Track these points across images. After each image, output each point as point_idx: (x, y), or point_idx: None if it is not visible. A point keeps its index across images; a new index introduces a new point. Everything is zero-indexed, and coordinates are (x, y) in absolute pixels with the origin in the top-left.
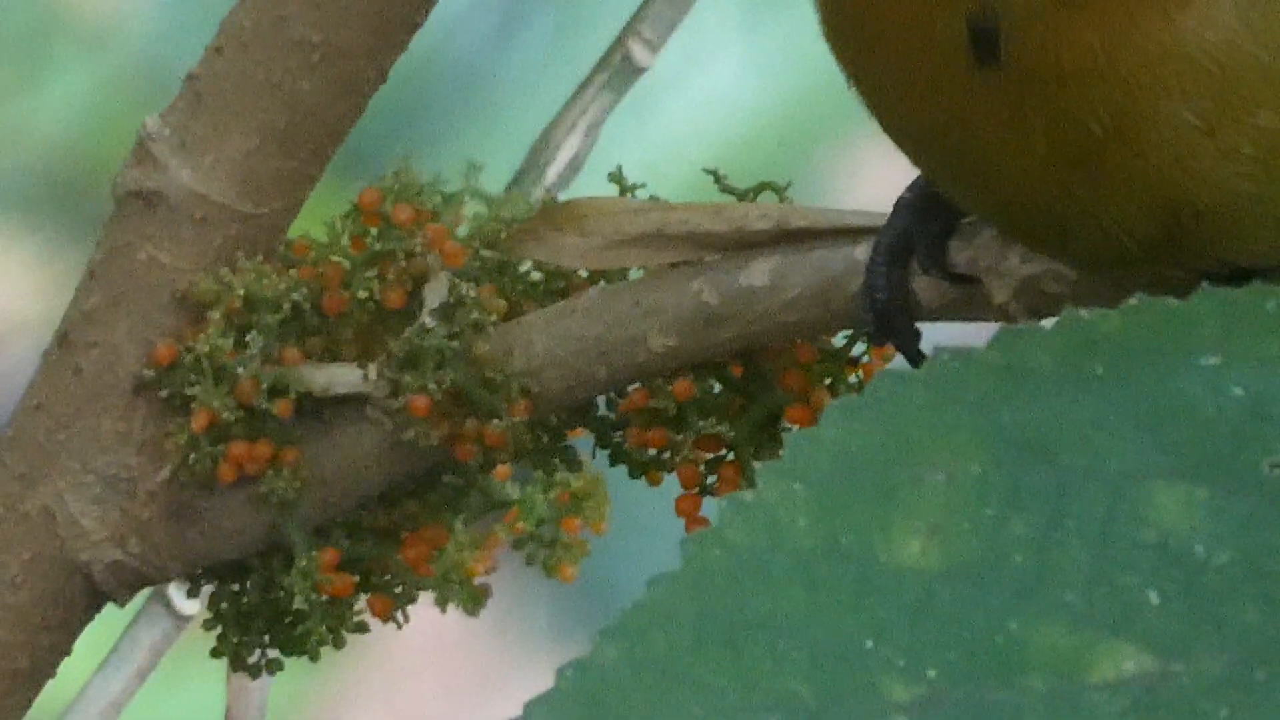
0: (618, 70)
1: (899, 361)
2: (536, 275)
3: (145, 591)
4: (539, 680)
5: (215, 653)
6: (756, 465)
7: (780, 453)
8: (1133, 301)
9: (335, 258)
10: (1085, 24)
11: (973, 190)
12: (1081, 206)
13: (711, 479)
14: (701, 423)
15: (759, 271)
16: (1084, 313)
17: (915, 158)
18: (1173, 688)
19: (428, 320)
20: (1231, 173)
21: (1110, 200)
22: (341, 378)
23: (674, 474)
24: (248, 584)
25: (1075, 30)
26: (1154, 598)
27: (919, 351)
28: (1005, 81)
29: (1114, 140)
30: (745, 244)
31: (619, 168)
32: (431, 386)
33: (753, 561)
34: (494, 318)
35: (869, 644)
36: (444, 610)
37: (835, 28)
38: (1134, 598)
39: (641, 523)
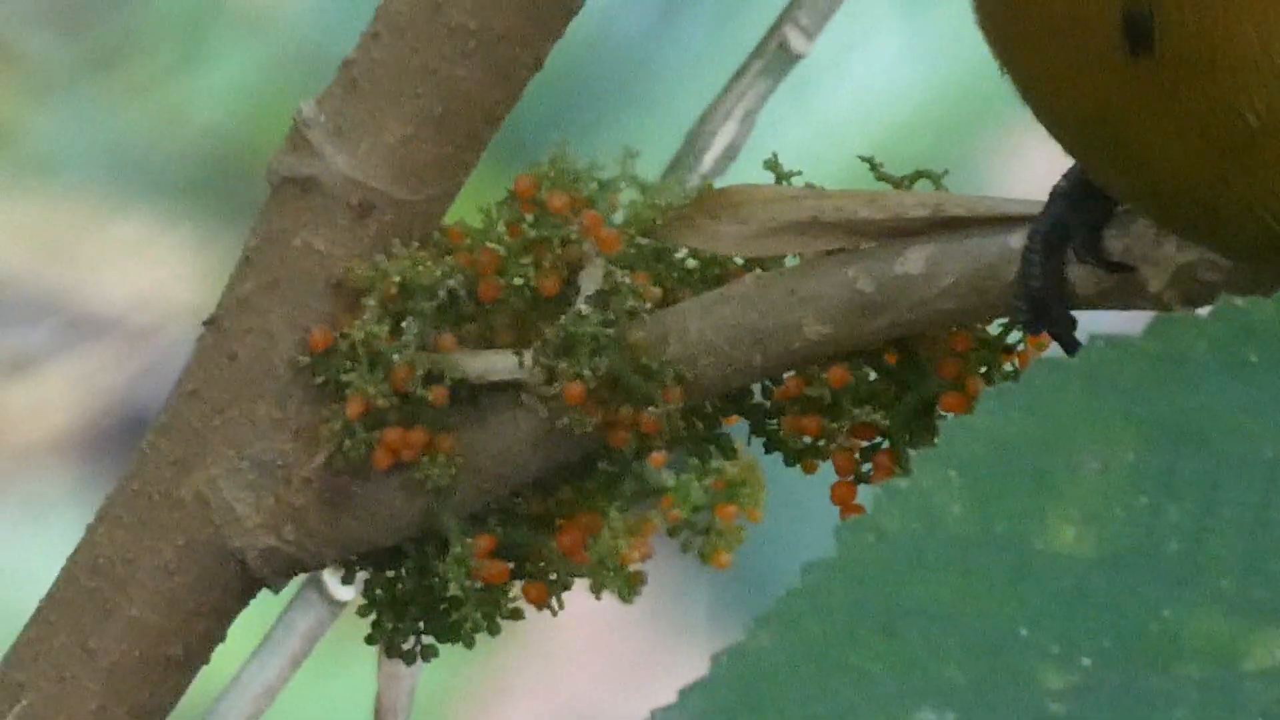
0: (774, 57)
1: (1054, 350)
2: (692, 262)
3: (300, 578)
4: (696, 667)
5: (370, 639)
6: (911, 453)
7: (935, 440)
8: None
9: (490, 244)
10: (1241, 14)
11: (1126, 179)
12: (1236, 195)
13: (867, 467)
14: (857, 410)
15: (914, 259)
16: (1239, 301)
17: (1068, 146)
18: None
19: (583, 307)
20: None
21: (1265, 189)
22: (496, 364)
23: (829, 461)
24: (402, 570)
25: (1231, 20)
26: None
27: (1074, 339)
28: (1158, 70)
29: (1269, 130)
30: (901, 231)
31: (775, 155)
32: (586, 373)
33: (907, 548)
34: (649, 305)
35: (1023, 631)
36: (599, 597)
37: (988, 14)
38: None
39: (797, 510)
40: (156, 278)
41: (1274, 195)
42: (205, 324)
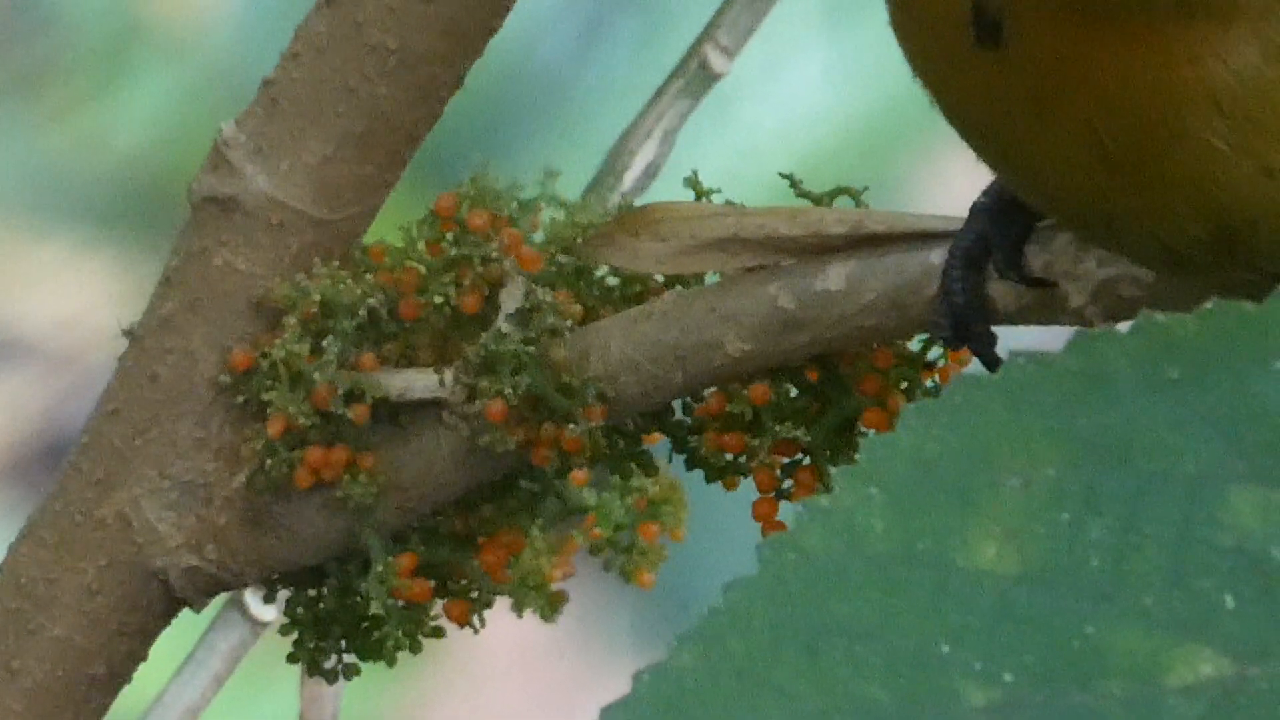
0: (694, 77)
1: (975, 366)
2: (613, 280)
3: (222, 597)
4: (619, 687)
5: (292, 658)
6: (833, 470)
7: (856, 457)
8: (1208, 306)
9: (411, 263)
10: (1092, 40)
11: (1024, 186)
12: (1123, 209)
13: (788, 483)
14: (778, 427)
15: (835, 276)
16: (1160, 317)
17: (971, 148)
18: (1250, 691)
19: (504, 325)
20: (1276, 189)
21: (1152, 207)
22: (418, 383)
23: (751, 478)
24: (324, 589)
25: (1080, 43)
26: (1230, 601)
27: (995, 355)
28: (1011, 69)
29: (1134, 158)
30: (822, 248)
31: (695, 173)
32: (508, 391)
33: (829, 566)
34: (570, 323)
35: (946, 649)
36: (520, 616)
37: (889, 6)
38: (1211, 601)
39: (719, 528)
40: (78, 301)
41: (1162, 213)
42: (126, 334)
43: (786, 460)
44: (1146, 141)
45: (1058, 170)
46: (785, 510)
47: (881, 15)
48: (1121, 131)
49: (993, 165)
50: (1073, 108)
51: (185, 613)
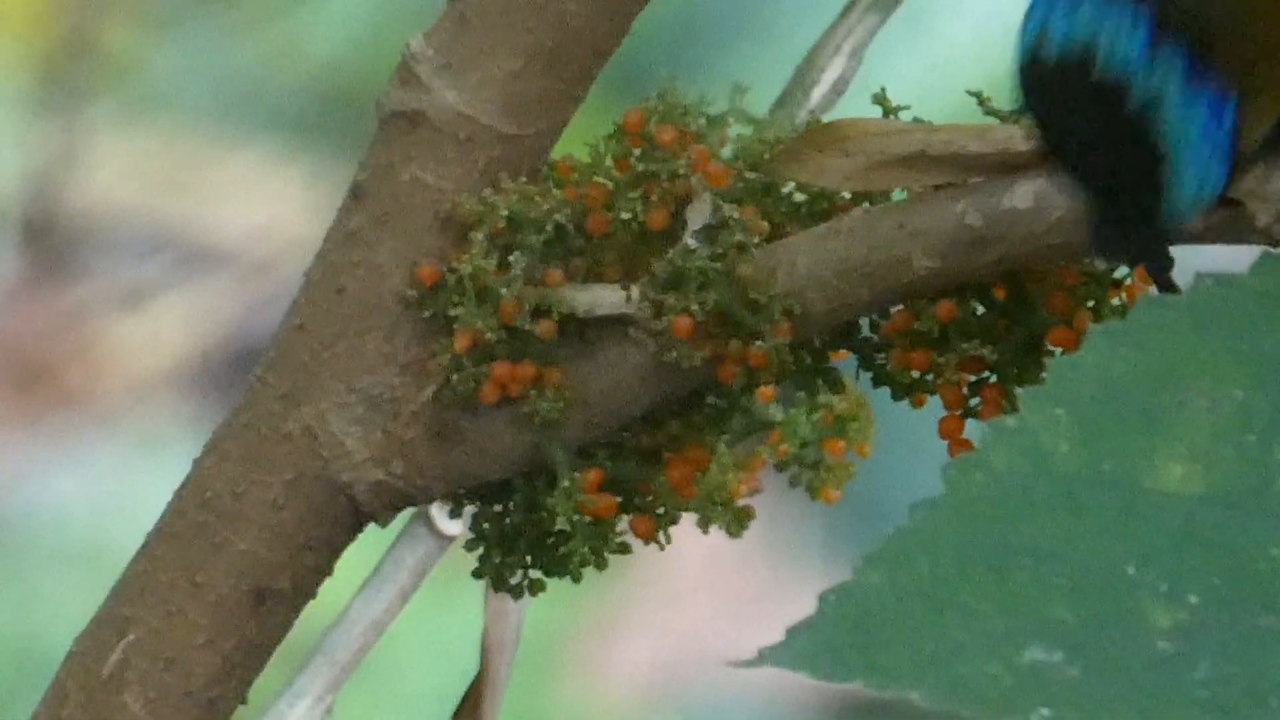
0: None
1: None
2: (800, 197)
3: (408, 512)
4: (807, 603)
5: (477, 573)
6: (1019, 390)
7: (1043, 376)
8: None
9: (599, 179)
10: None
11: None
12: None
13: (975, 401)
14: (965, 345)
15: (1023, 194)
16: None
17: None
18: None
19: (691, 241)
20: None
21: None
22: (605, 299)
23: (937, 396)
24: (510, 505)
25: None
26: None
27: (1171, 279)
28: None
29: None
30: (1009, 166)
31: (883, 90)
32: (695, 308)
33: (1015, 487)
34: (757, 239)
35: (1131, 570)
36: (706, 532)
37: None
38: None
39: (906, 445)
40: (270, 212)
41: None
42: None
43: (973, 378)
44: None
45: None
46: (971, 428)
47: None
48: None
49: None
50: None
51: (371, 528)
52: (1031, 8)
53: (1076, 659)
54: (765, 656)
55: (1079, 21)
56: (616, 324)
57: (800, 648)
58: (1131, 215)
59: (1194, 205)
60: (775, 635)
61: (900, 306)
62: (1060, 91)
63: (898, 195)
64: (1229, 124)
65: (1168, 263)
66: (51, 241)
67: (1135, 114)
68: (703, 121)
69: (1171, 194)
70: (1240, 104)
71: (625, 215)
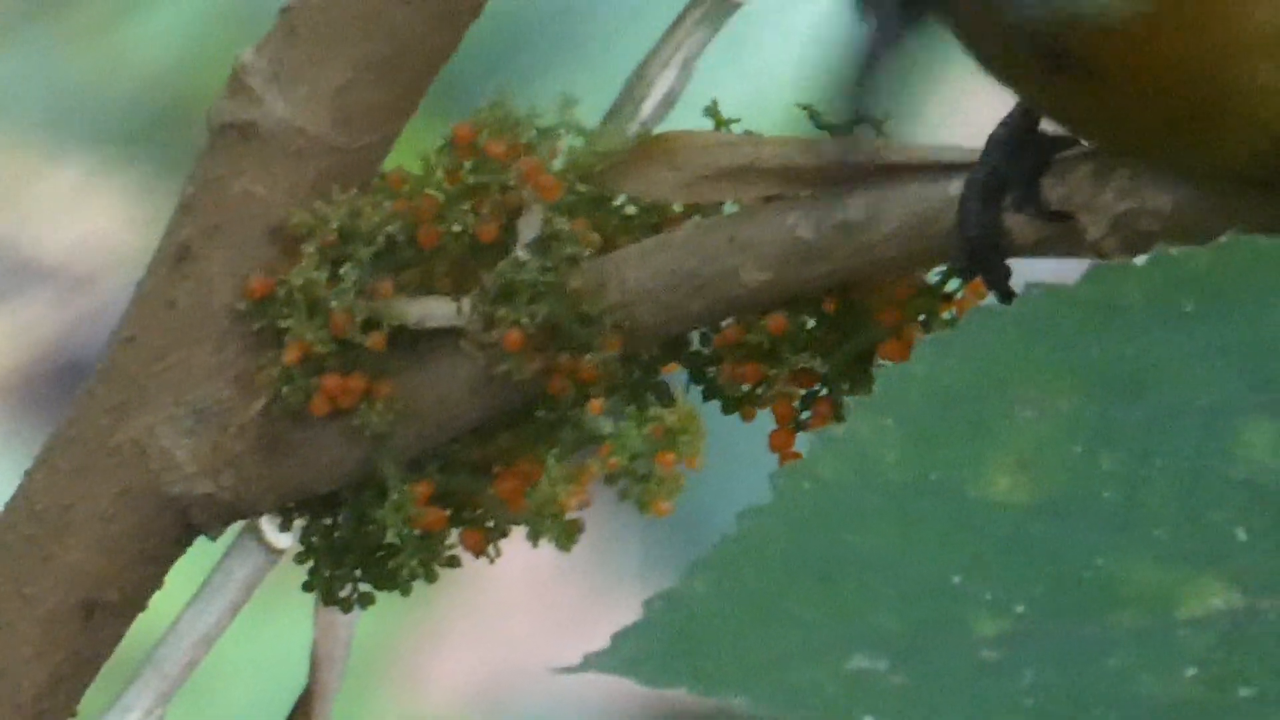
0: (713, 5)
1: (994, 298)
2: (631, 209)
3: (237, 525)
4: (634, 613)
5: (307, 586)
6: (849, 401)
7: (873, 388)
8: (1224, 239)
9: (430, 191)
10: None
11: (1075, 130)
12: (1188, 152)
13: (805, 414)
14: (795, 357)
15: (854, 206)
16: (1175, 250)
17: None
18: (1260, 624)
19: (522, 254)
20: None
21: (1217, 147)
22: (435, 311)
23: (768, 409)
24: (340, 518)
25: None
26: (1242, 534)
27: (1009, 289)
28: (1078, 80)
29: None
30: (840, 178)
31: (714, 102)
32: (525, 320)
33: (843, 496)
34: (588, 251)
35: (958, 579)
36: (536, 545)
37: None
38: (1222, 534)
39: (736, 458)
40: (96, 225)
41: (1227, 150)
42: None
43: (804, 391)
44: (1214, 104)
45: (1117, 131)
46: (802, 441)
47: None
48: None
49: (1041, 112)
50: (1141, 99)
51: (201, 540)
52: None
53: (902, 667)
54: (590, 662)
55: None
56: (447, 336)
57: (626, 653)
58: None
59: None
60: (597, 645)
61: (731, 319)
62: None
63: (729, 208)
64: None
65: (1004, 271)
66: None
67: None
68: (534, 134)
69: None
70: None
71: (456, 227)
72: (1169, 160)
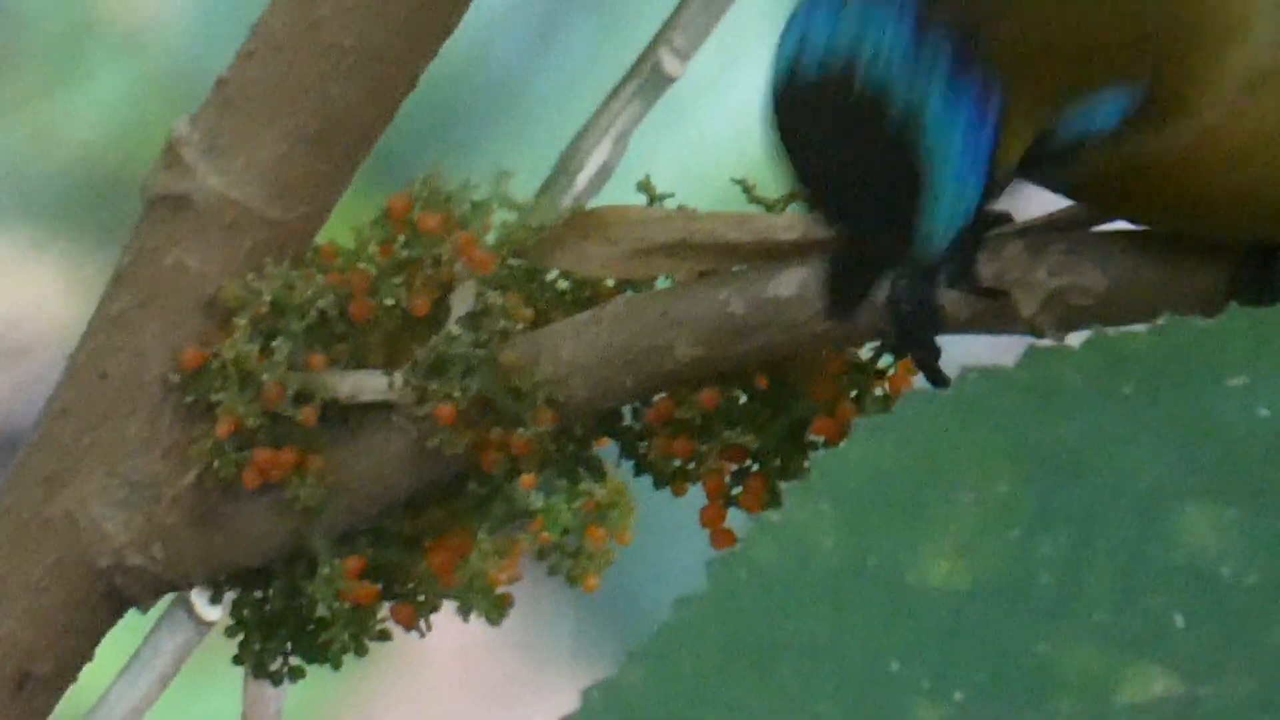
0: (648, 79)
1: (924, 377)
2: (564, 283)
3: (168, 597)
4: (563, 690)
5: (237, 659)
6: (783, 483)
7: (806, 464)
8: (1162, 321)
9: (363, 264)
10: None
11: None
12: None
13: (737, 490)
14: (727, 433)
15: (786, 282)
16: (1112, 332)
17: None
18: (1201, 711)
19: (454, 328)
20: None
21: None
22: (367, 384)
23: (699, 484)
24: (271, 591)
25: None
26: (1181, 620)
27: (938, 368)
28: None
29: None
30: (772, 254)
31: (648, 177)
32: (457, 394)
33: (780, 582)
34: (521, 326)
35: (896, 666)
36: (466, 619)
37: None
38: (1162, 620)
39: (666, 533)
40: (28, 297)
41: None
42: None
43: (735, 467)
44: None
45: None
46: (734, 516)
47: None
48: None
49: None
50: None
51: (132, 612)
52: (789, 24)
53: None
54: None
55: (843, 25)
56: (380, 410)
57: None
58: (885, 252)
59: (949, 224)
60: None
61: (663, 394)
62: (817, 115)
63: (662, 283)
64: (991, 125)
65: (934, 351)
66: None
67: (896, 128)
68: (467, 208)
69: (927, 214)
70: (1003, 105)
71: (389, 301)
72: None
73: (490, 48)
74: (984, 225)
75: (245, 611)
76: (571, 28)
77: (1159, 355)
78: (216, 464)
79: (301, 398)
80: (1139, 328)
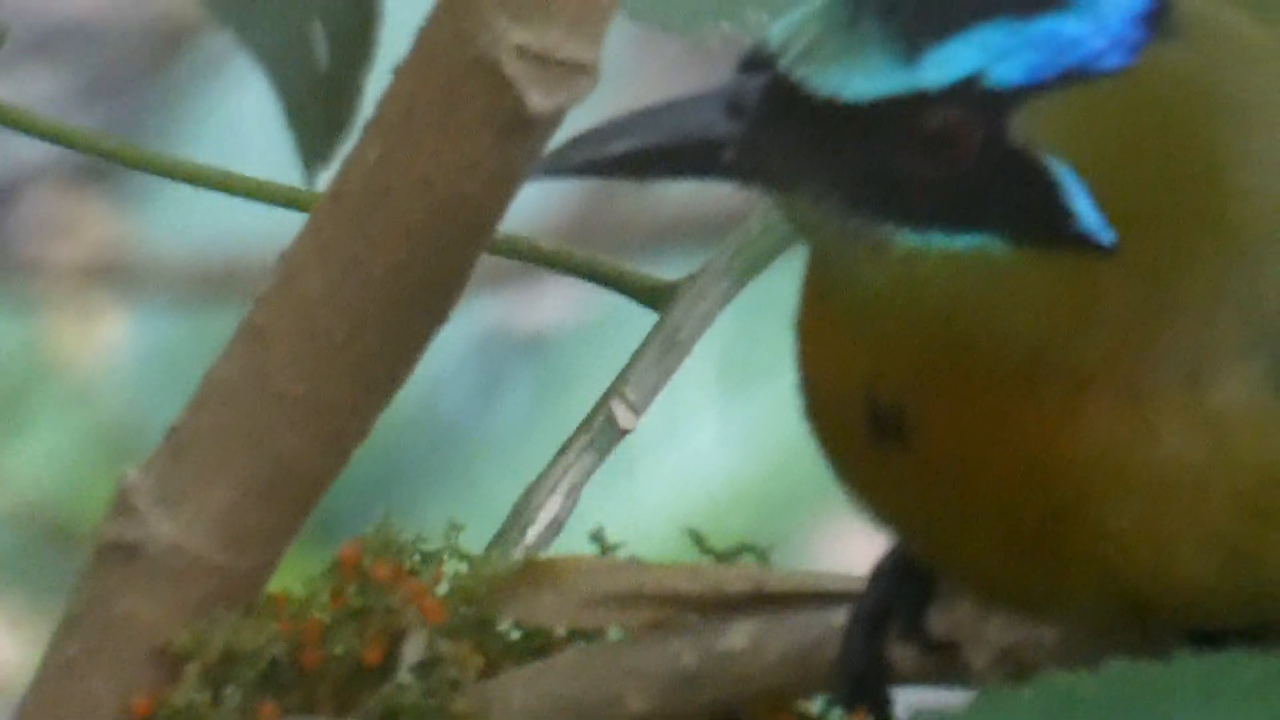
0: (601, 431)
1: None
2: (515, 633)
3: None
4: None
5: None
6: None
7: None
8: (1110, 665)
9: (314, 613)
10: (993, 430)
11: (933, 560)
12: (1031, 584)
13: None
14: None
15: (738, 635)
16: (1061, 676)
17: (876, 522)
18: None
19: (405, 677)
20: (1184, 569)
21: (1059, 582)
22: None
23: None
24: None
25: (982, 433)
26: None
27: (891, 716)
28: (913, 464)
29: (1039, 540)
30: (723, 606)
31: (600, 528)
32: None
33: None
34: (472, 675)
35: None
36: None
37: (798, 390)
38: None
39: None
40: None
41: (1069, 588)
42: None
43: None
44: (1049, 523)
45: (968, 553)
46: None
47: (775, 382)
48: (1027, 516)
49: (900, 540)
50: (979, 498)
51: None
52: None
53: None
54: None
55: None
56: None
57: None
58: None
59: None
60: None
61: None
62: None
63: (614, 634)
64: None
65: (886, 704)
66: None
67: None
68: (418, 558)
69: None
70: None
71: (340, 650)
72: (1008, 592)
73: (441, 397)
74: (937, 580)
75: None
76: (516, 379)
77: (1107, 699)
78: None
79: None
80: (1087, 672)
